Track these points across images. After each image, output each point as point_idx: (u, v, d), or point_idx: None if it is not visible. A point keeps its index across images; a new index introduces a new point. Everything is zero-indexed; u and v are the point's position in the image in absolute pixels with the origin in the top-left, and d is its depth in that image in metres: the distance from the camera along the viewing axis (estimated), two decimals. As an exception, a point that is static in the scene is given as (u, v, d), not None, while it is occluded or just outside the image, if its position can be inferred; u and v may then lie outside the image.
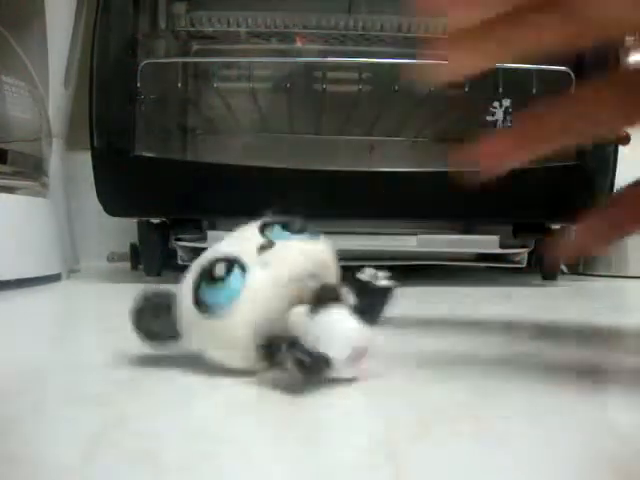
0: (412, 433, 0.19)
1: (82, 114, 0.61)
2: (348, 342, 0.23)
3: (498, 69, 0.74)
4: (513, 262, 0.69)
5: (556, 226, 0.66)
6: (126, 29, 0.61)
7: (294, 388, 0.22)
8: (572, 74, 0.62)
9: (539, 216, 0.64)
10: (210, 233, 0.63)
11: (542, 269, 0.71)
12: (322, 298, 0.24)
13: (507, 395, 0.23)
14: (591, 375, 0.27)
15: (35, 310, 0.47)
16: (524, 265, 0.68)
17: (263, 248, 0.25)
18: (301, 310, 0.24)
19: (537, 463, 0.17)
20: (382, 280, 0.25)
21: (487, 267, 0.79)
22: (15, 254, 0.57)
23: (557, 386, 0.25)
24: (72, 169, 0.81)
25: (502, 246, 0.66)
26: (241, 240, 0.26)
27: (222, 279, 0.24)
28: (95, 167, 0.60)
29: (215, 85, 0.72)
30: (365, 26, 0.70)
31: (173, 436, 0.18)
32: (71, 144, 0.80)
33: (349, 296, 0.25)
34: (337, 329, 0.24)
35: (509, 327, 0.42)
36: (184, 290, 0.25)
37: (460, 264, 0.77)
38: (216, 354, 0.25)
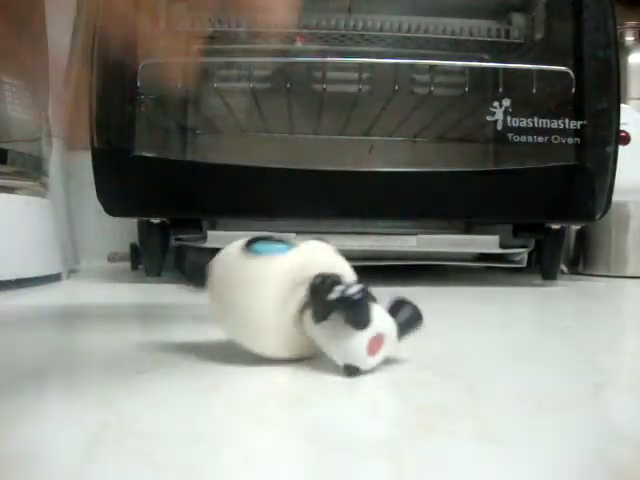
0: (412, 433, 0.19)
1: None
2: (374, 324, 0.25)
3: (498, 69, 0.74)
4: (513, 262, 0.69)
5: (556, 226, 0.66)
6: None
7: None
8: (572, 74, 0.62)
9: (539, 216, 0.64)
10: (210, 233, 0.63)
11: (542, 269, 0.71)
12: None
13: (507, 395, 0.23)
14: (591, 375, 0.27)
15: (35, 310, 0.47)
16: (524, 265, 0.68)
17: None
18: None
19: (537, 463, 0.17)
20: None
21: (487, 267, 0.79)
22: (15, 254, 0.57)
23: (557, 386, 0.25)
24: (72, 169, 0.81)
25: (502, 246, 0.66)
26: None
27: (274, 240, 0.28)
28: (95, 167, 0.60)
29: (215, 85, 0.72)
30: (365, 26, 0.70)
31: (173, 436, 0.18)
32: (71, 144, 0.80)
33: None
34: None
35: (509, 327, 0.42)
36: (228, 248, 0.28)
37: (460, 264, 0.77)
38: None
